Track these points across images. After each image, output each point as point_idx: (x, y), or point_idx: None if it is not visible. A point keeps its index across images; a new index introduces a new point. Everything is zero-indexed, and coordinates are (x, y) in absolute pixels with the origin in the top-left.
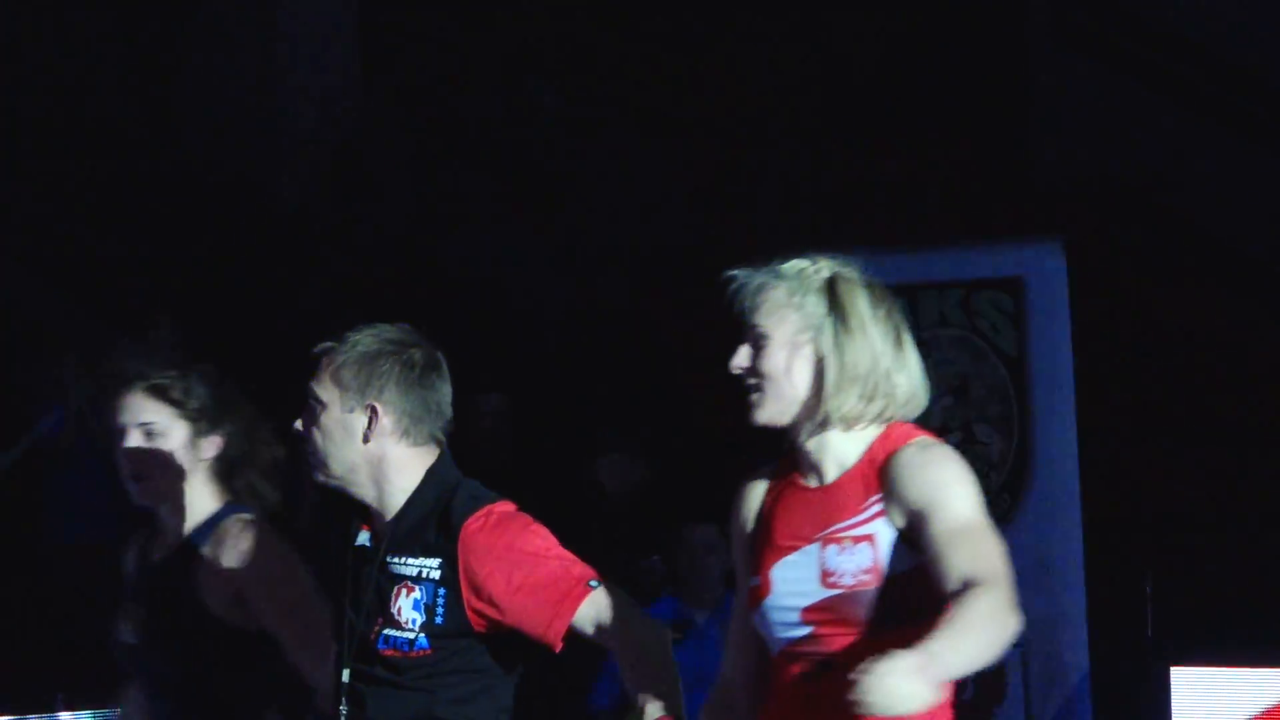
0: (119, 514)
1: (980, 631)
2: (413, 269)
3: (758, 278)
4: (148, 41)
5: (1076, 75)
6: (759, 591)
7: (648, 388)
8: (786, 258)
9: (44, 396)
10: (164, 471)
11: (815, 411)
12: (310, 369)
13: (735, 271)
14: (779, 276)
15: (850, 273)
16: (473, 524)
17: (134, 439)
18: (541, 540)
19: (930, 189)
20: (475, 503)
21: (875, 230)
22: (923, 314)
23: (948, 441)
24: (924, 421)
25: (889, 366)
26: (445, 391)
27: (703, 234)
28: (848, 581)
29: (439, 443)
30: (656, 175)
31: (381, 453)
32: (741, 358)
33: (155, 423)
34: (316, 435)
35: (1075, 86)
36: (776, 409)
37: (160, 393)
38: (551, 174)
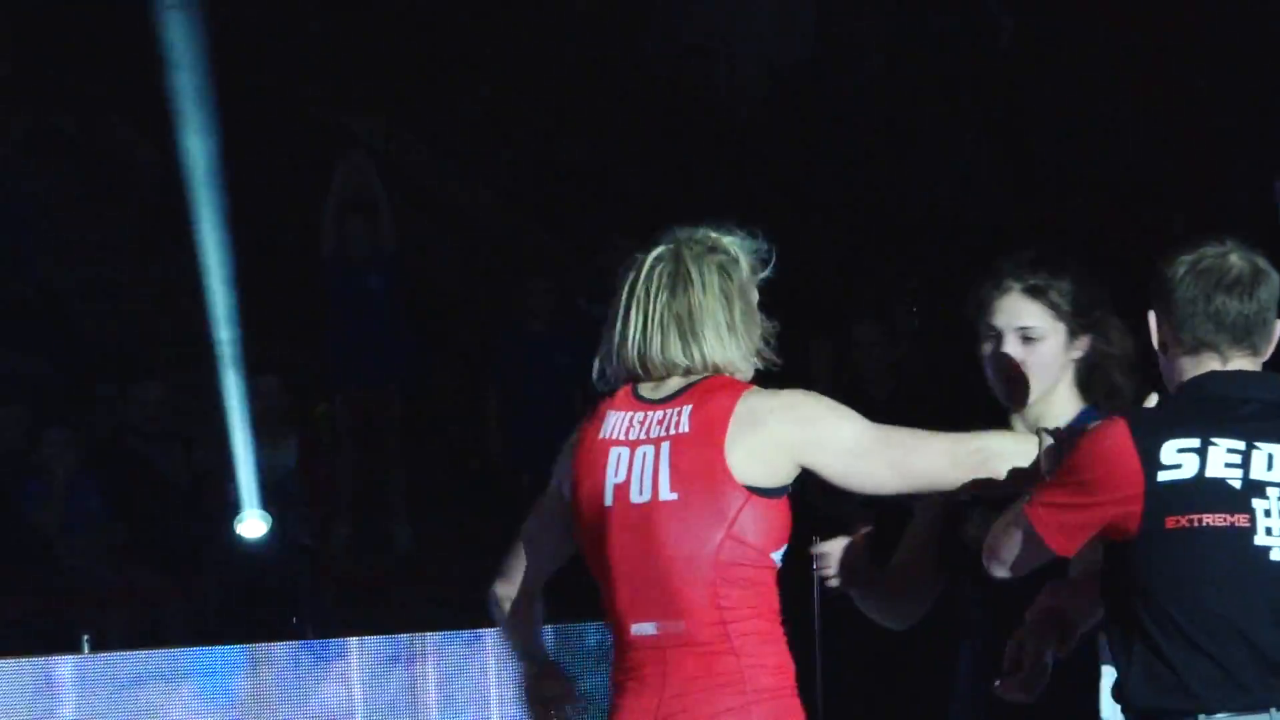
0: None
1: None
2: (866, 186)
3: None
4: None
5: None
6: None
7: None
8: None
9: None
10: (1040, 375)
11: None
12: None
13: None
14: None
15: None
16: None
17: (1012, 343)
18: None
19: None
20: None
21: None
22: None
23: None
24: None
25: None
26: None
27: (1167, 161)
28: None
29: None
30: (1112, 101)
31: None
32: None
33: (1035, 326)
34: None
35: None
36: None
37: (1040, 294)
38: (1009, 97)
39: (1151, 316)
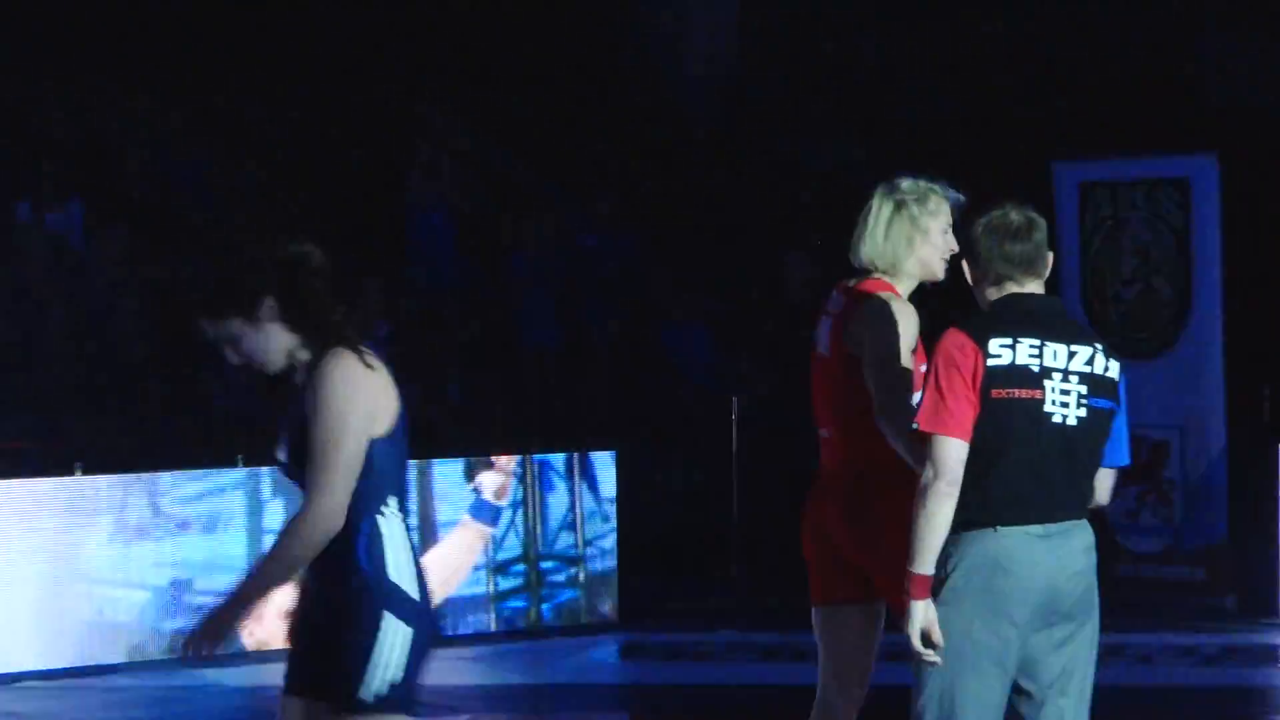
0: None
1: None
2: (783, 172)
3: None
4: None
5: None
6: None
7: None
8: None
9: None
10: (262, 354)
11: None
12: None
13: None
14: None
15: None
16: None
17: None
18: None
19: (1131, 113)
20: None
21: (1089, 142)
22: (1120, 202)
23: (1132, 290)
24: (1116, 276)
25: None
26: None
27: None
28: None
29: None
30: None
31: None
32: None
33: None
34: None
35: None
36: None
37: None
38: (878, 98)
39: (965, 264)
